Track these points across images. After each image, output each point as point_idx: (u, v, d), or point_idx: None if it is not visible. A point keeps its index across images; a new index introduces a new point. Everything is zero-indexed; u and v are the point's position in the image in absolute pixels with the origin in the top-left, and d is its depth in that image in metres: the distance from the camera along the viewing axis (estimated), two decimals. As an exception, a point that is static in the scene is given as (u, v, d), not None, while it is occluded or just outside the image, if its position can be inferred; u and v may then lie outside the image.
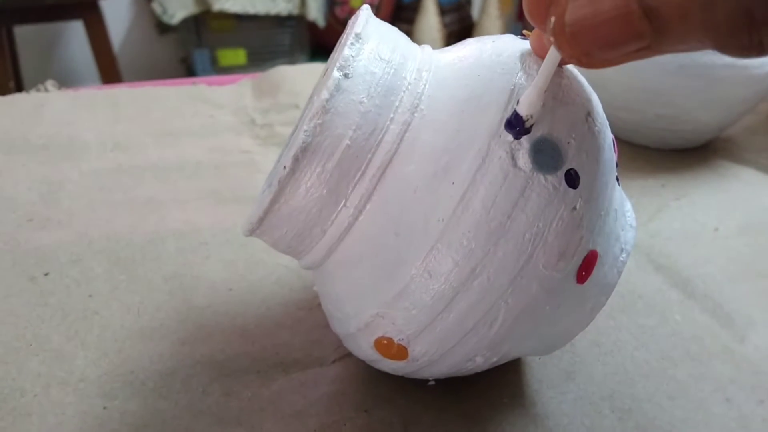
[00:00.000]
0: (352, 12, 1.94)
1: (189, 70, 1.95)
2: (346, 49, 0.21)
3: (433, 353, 0.23)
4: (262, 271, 0.37)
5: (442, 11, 2.01)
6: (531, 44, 0.23)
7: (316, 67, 0.69)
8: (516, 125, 0.20)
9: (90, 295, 0.35)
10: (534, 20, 0.19)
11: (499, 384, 0.29)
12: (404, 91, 0.22)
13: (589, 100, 0.23)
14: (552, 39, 0.17)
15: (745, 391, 0.30)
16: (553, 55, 0.20)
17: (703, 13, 0.14)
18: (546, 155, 0.20)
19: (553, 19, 0.17)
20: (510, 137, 0.20)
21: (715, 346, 0.32)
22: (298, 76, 0.64)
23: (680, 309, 0.35)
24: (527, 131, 0.20)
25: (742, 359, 0.31)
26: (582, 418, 0.28)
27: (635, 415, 0.28)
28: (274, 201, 0.22)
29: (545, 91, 0.20)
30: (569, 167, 0.21)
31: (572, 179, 0.21)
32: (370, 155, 0.21)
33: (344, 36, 0.23)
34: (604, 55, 0.17)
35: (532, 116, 0.20)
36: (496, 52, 0.23)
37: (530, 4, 0.19)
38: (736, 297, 0.36)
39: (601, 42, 0.16)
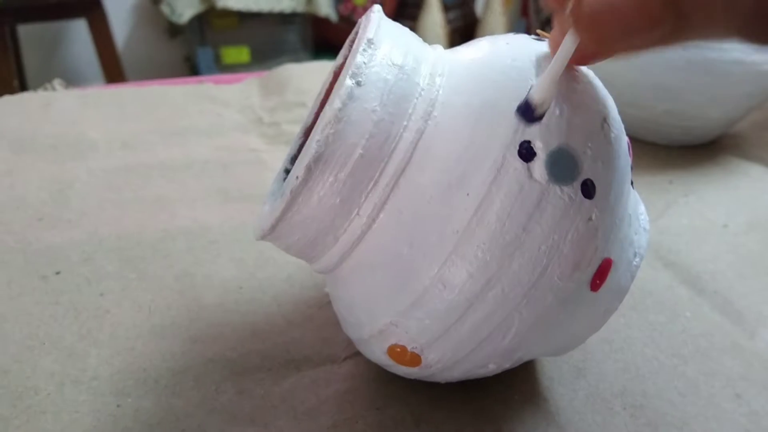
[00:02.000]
0: (354, 8, 1.94)
1: (192, 69, 1.96)
2: (358, 56, 0.21)
3: (447, 361, 0.23)
4: (273, 269, 0.37)
5: (446, 8, 2.01)
6: (550, 46, 0.22)
7: (323, 65, 0.69)
8: (526, 111, 0.20)
9: (101, 294, 0.35)
10: (553, 2, 0.19)
11: (511, 381, 0.29)
12: (417, 98, 0.22)
13: (605, 106, 0.22)
14: (570, 22, 0.17)
15: (756, 387, 0.30)
16: (569, 40, 0.19)
17: (726, 1, 0.14)
18: (562, 166, 0.20)
19: (570, 4, 0.16)
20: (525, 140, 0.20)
21: (725, 342, 0.32)
22: (305, 75, 0.64)
23: (690, 306, 0.35)
24: (538, 118, 0.20)
25: (752, 355, 0.32)
26: (593, 414, 0.28)
27: (646, 412, 0.28)
28: (286, 210, 0.21)
29: (560, 80, 0.20)
30: (585, 177, 0.20)
31: (588, 190, 0.20)
32: (383, 164, 0.21)
33: (354, 37, 0.23)
34: (622, 42, 0.16)
35: (543, 103, 0.20)
36: (510, 56, 0.22)
37: None
38: (746, 293, 0.36)
39: (620, 28, 0.16)
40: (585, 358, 0.31)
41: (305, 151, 0.21)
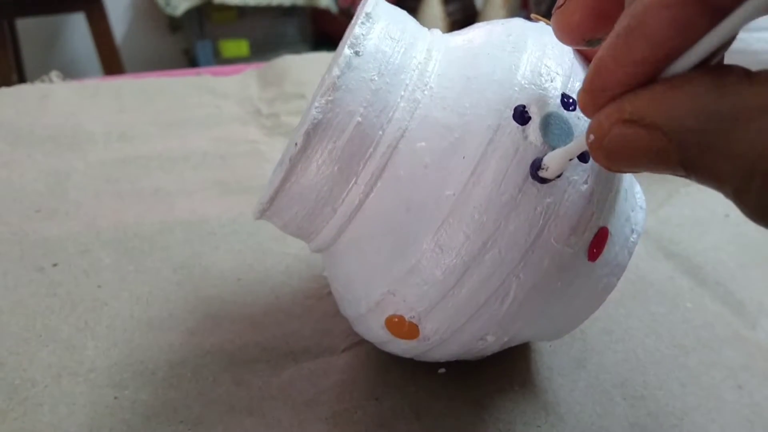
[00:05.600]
0: (354, 0, 1.93)
1: (191, 62, 1.95)
2: (356, 27, 0.22)
3: (445, 331, 0.23)
4: (271, 261, 0.37)
5: (446, 0, 2.00)
6: (554, 30, 0.22)
7: (322, 57, 0.68)
8: (534, 172, 0.20)
9: (99, 286, 0.35)
10: (585, 112, 0.19)
11: (510, 372, 0.29)
12: (414, 70, 0.22)
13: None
14: (588, 148, 0.17)
15: (757, 378, 0.29)
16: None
17: (736, 194, 0.15)
18: (556, 129, 0.21)
19: (591, 136, 0.17)
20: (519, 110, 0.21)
21: (727, 332, 0.32)
22: (304, 66, 0.64)
23: (691, 296, 0.35)
24: (542, 180, 0.20)
25: (753, 346, 0.31)
26: (594, 405, 0.28)
27: (647, 403, 0.28)
28: (285, 179, 0.22)
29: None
30: None
31: (583, 153, 0.21)
32: (380, 132, 0.21)
33: (354, 18, 0.23)
34: (630, 170, 0.17)
35: (552, 172, 0.20)
36: (505, 32, 0.23)
37: (584, 102, 0.18)
38: (748, 283, 0.36)
39: (632, 163, 0.16)
40: (585, 349, 0.31)
41: (304, 119, 0.22)
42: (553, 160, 0.20)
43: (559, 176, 0.21)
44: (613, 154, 0.16)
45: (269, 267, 0.36)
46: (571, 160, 0.20)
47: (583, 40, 0.21)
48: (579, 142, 0.20)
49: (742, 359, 0.30)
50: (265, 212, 0.23)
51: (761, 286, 0.36)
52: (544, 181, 0.20)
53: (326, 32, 1.98)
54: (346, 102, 0.21)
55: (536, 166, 0.20)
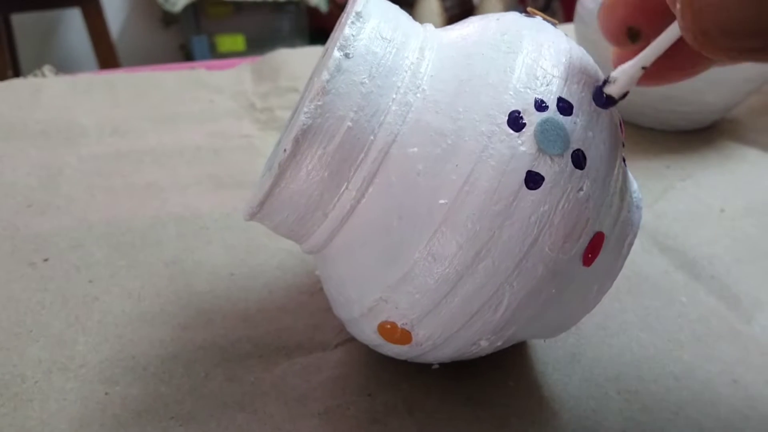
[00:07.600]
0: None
1: (187, 57, 1.95)
2: (346, 28, 0.21)
3: (438, 337, 0.22)
4: (264, 256, 0.37)
5: (443, -5, 1.99)
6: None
7: (316, 51, 0.68)
8: (600, 94, 0.21)
9: (90, 281, 0.34)
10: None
11: (504, 367, 0.29)
12: (406, 71, 0.21)
13: (595, 79, 0.22)
14: (678, 6, 0.17)
15: (753, 372, 0.29)
16: (670, 32, 0.19)
17: None
18: (552, 136, 0.20)
19: (677, 4, 0.16)
20: (514, 116, 0.20)
21: (722, 327, 0.32)
22: (298, 60, 0.63)
23: (686, 290, 0.35)
24: (607, 100, 0.20)
25: (749, 340, 0.31)
26: (588, 400, 0.28)
27: (642, 397, 0.28)
28: (274, 185, 0.21)
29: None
30: (576, 147, 0.20)
31: (579, 160, 0.20)
32: (372, 137, 0.21)
33: (344, 15, 0.23)
34: (721, 41, 0.16)
35: (622, 89, 0.20)
36: (500, 31, 0.22)
37: None
38: (743, 278, 0.36)
39: (723, 24, 0.16)
40: (579, 343, 0.31)
41: (293, 123, 0.21)
42: (623, 73, 0.20)
43: (624, 96, 0.20)
44: (705, 5, 0.16)
45: (262, 262, 0.36)
46: (644, 69, 0.20)
47: (625, 31, 0.21)
48: (654, 46, 0.19)
49: (738, 353, 0.30)
50: (254, 215, 0.23)
51: (757, 280, 0.35)
52: (609, 100, 0.20)
53: (322, 27, 1.98)
54: (336, 106, 0.20)
55: (603, 82, 0.20)
